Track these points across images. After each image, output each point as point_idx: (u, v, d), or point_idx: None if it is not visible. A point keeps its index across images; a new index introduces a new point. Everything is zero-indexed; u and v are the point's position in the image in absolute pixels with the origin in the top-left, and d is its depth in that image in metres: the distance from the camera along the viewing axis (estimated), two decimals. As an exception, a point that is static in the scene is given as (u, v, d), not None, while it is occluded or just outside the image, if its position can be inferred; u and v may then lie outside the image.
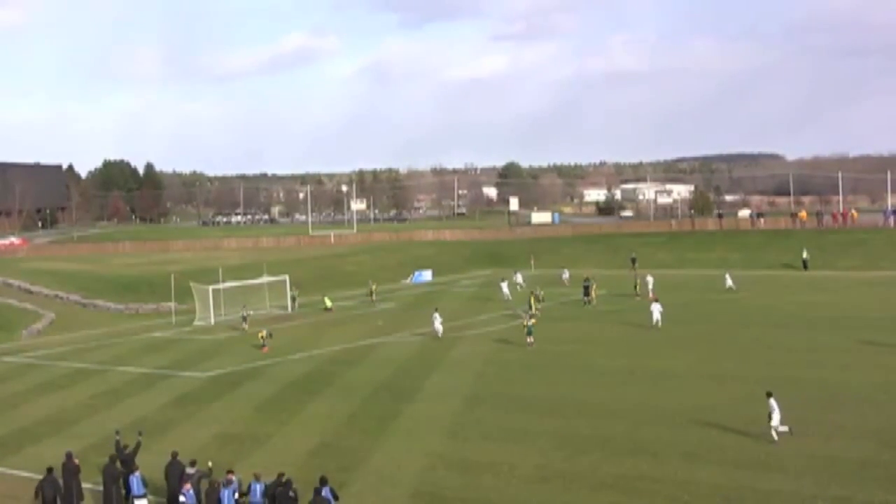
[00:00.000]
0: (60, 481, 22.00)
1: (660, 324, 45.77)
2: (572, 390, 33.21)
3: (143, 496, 21.47)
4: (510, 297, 59.95)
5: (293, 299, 61.90)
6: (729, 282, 61.38)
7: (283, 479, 20.60)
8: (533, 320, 44.63)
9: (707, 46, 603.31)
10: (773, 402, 25.46)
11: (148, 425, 29.87)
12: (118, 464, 22.56)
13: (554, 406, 30.78)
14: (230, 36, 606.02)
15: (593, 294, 57.55)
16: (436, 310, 48.46)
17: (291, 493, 20.23)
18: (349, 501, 22.29)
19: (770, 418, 25.32)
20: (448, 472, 24.06)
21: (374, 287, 65.16)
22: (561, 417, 29.20)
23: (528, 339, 42.37)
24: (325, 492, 20.14)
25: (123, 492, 21.99)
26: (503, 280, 63.98)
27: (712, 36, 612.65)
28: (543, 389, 33.53)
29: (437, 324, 47.15)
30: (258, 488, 20.72)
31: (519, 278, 68.26)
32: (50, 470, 22.07)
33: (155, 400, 34.92)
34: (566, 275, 69.56)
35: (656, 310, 46.39)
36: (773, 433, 25.22)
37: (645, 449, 25.05)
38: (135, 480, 21.58)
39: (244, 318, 53.39)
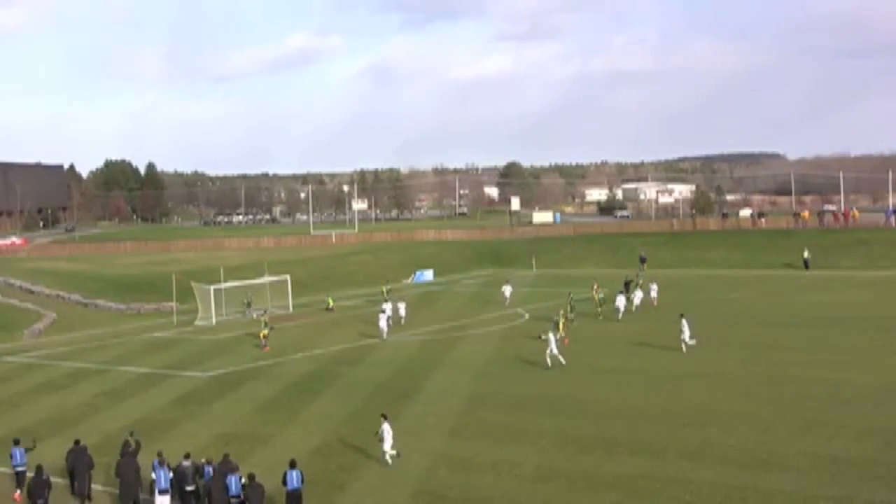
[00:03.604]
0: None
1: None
2: (573, 390, 33.21)
3: (167, 492, 21.85)
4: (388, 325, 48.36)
5: (248, 305, 59.10)
6: (507, 294, 57.83)
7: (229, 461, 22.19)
8: (563, 319, 44.32)
9: (708, 46, 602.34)
10: (385, 426, 24.72)
11: (149, 425, 29.97)
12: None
13: (555, 406, 30.79)
14: (233, 36, 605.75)
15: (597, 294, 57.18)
16: (384, 308, 48.26)
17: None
18: (350, 501, 22.36)
19: (382, 441, 24.69)
20: (449, 472, 24.08)
21: (385, 288, 64.24)
22: (562, 417, 29.21)
23: (560, 335, 42.48)
24: (294, 474, 21.20)
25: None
26: (387, 301, 53.22)
27: (714, 36, 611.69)
28: (544, 389, 33.54)
29: (383, 323, 46.75)
30: (209, 471, 21.98)
31: (507, 291, 59.22)
32: (77, 441, 24.33)
33: (156, 400, 34.96)
34: (507, 290, 59.14)
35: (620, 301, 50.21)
36: (387, 457, 24.66)
37: (646, 449, 25.06)
38: (162, 474, 21.97)
39: (265, 324, 47.48)
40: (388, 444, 24.73)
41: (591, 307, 52.13)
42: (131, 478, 22.42)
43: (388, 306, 50.71)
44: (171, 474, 21.92)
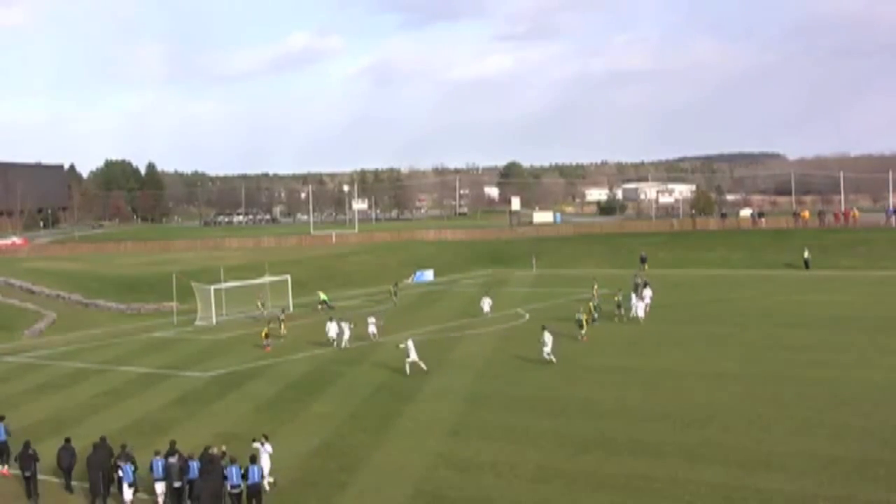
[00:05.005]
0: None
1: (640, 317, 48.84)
2: (573, 390, 33.21)
3: (132, 485, 22.64)
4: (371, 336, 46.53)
5: (262, 306, 59.13)
6: (486, 308, 54.61)
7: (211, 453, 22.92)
8: (586, 315, 44.73)
9: (709, 46, 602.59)
10: (268, 447, 23.53)
11: (149, 425, 30.07)
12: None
13: (555, 406, 30.79)
14: (233, 36, 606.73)
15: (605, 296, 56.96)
16: (341, 319, 46.23)
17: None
18: (350, 501, 22.36)
19: (258, 459, 23.12)
20: (449, 472, 24.07)
21: (392, 288, 64.18)
22: (562, 417, 29.21)
23: (582, 332, 43.20)
24: (255, 469, 21.83)
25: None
26: (344, 320, 46.61)
27: (714, 36, 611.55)
28: (544, 389, 33.53)
29: (347, 332, 45.08)
30: (194, 466, 22.64)
31: (486, 304, 54.97)
32: (67, 440, 24.94)
33: (156, 400, 34.96)
34: (487, 304, 54.91)
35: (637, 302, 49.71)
36: (266, 484, 22.91)
37: (646, 449, 25.05)
38: (128, 468, 22.62)
39: (281, 324, 49.19)
40: (265, 468, 23.13)
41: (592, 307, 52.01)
42: (97, 474, 22.92)
43: (332, 325, 45.41)
44: (135, 468, 22.72)
